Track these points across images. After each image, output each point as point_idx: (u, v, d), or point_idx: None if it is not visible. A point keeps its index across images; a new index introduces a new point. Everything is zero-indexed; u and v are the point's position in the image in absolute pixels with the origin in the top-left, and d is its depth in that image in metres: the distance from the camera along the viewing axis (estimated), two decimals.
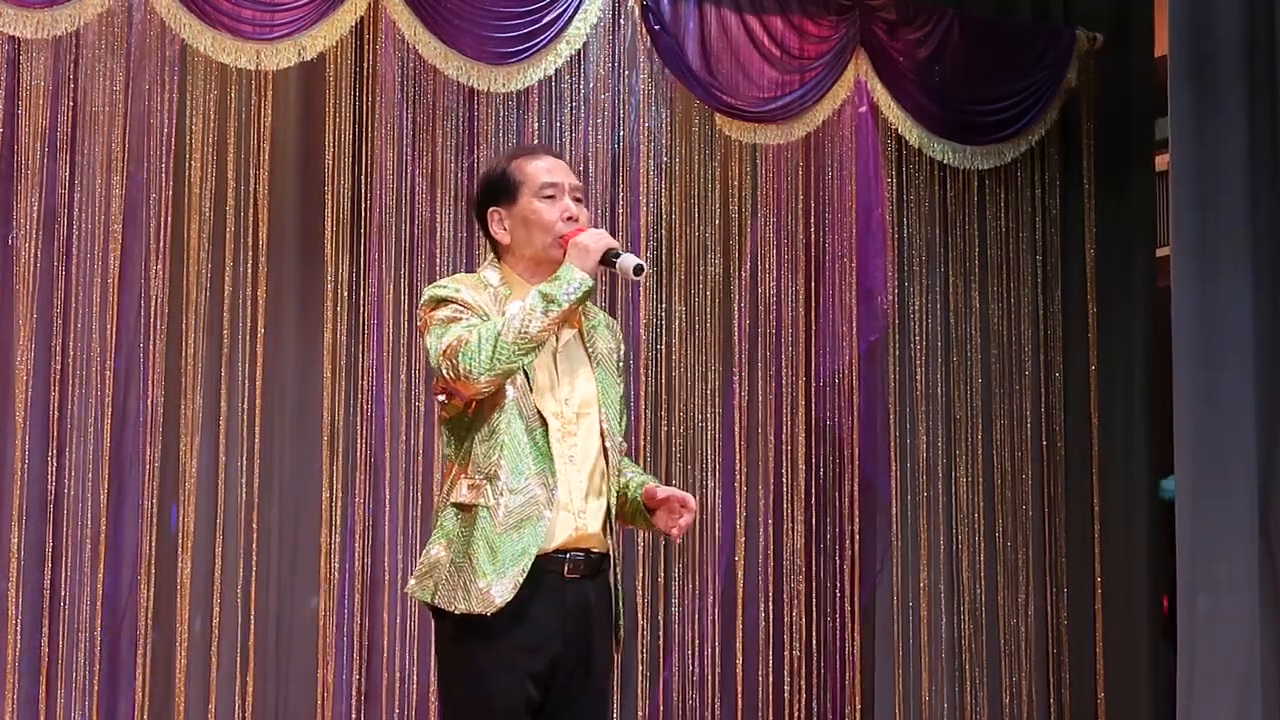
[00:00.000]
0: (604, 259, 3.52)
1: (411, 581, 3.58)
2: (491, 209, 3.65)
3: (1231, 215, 5.63)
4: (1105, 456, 6.78)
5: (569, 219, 3.59)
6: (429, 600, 3.52)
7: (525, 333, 3.41)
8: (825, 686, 6.29)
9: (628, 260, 3.51)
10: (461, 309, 3.52)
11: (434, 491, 5.65)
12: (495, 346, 3.40)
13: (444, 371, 3.45)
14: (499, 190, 3.65)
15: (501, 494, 3.48)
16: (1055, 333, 6.82)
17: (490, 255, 3.72)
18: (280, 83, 5.64)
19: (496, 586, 3.44)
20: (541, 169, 3.63)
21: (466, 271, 5.64)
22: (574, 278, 3.46)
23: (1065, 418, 6.81)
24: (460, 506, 3.52)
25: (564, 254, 3.55)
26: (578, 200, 3.64)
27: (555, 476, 3.51)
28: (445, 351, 3.44)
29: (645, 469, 5.89)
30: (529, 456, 3.50)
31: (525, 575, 3.45)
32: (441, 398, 3.58)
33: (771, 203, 6.33)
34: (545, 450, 3.51)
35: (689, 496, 3.64)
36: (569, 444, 3.56)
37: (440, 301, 3.55)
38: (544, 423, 3.52)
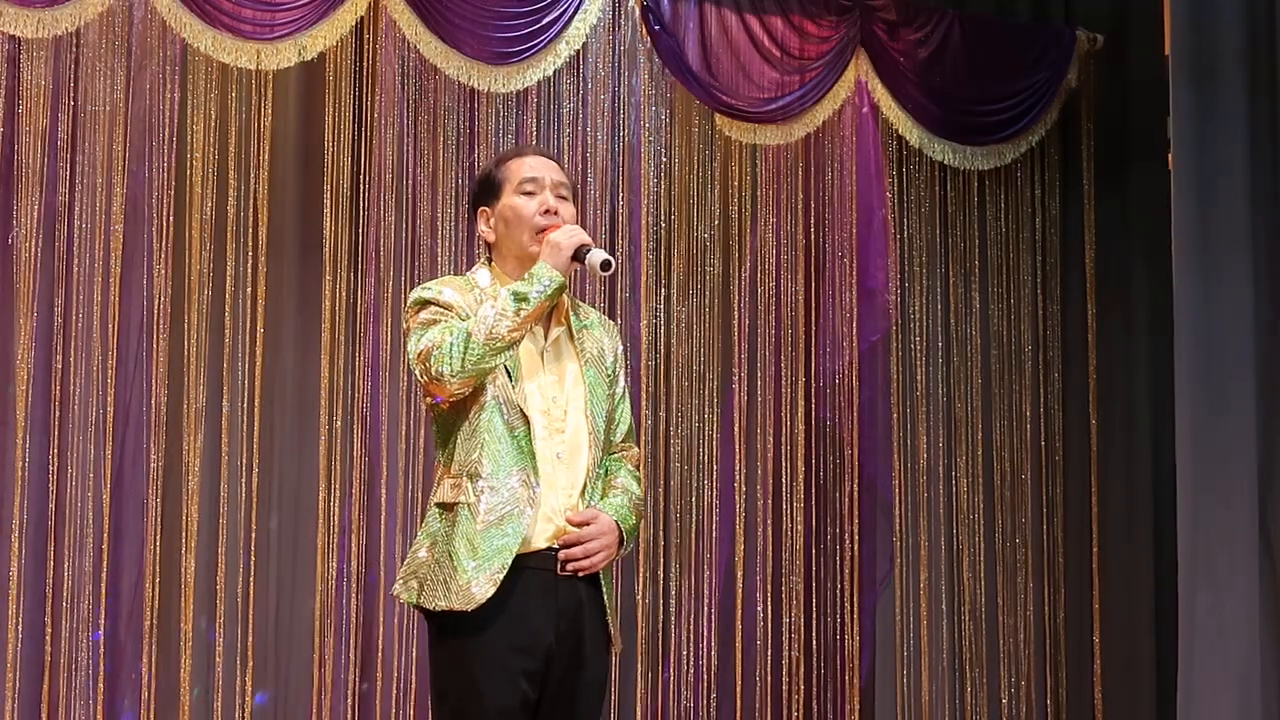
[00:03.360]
0: (576, 255, 3.53)
1: (397, 583, 3.58)
2: (480, 209, 3.69)
3: (1232, 215, 5.64)
4: (1105, 457, 6.78)
5: (547, 213, 3.60)
6: (414, 601, 3.52)
7: (495, 333, 3.42)
8: (824, 687, 6.29)
9: (595, 255, 3.52)
10: (442, 311, 3.54)
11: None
12: (466, 347, 3.41)
13: (418, 374, 3.47)
14: (485, 190, 3.69)
15: (482, 491, 3.48)
16: (1055, 333, 6.82)
17: (483, 257, 3.74)
18: (280, 82, 5.65)
19: (476, 582, 3.43)
20: (524, 165, 3.66)
21: (467, 271, 5.69)
22: (545, 275, 3.47)
23: (1065, 418, 6.81)
24: (443, 506, 3.53)
25: (536, 247, 3.58)
26: (561, 197, 3.64)
27: (537, 474, 3.51)
28: (420, 354, 3.46)
29: (645, 470, 5.92)
30: (509, 454, 3.50)
31: (505, 572, 3.44)
32: (429, 400, 3.59)
33: (772, 203, 6.33)
34: (527, 448, 3.51)
35: (586, 541, 3.52)
36: (557, 441, 3.56)
37: (423, 304, 3.57)
38: (526, 420, 3.52)
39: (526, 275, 3.49)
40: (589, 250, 3.54)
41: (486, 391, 3.51)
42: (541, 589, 3.50)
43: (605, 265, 3.51)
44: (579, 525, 3.55)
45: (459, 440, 3.53)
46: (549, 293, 3.47)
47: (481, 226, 3.69)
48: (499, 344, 3.44)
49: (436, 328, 3.50)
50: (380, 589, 5.62)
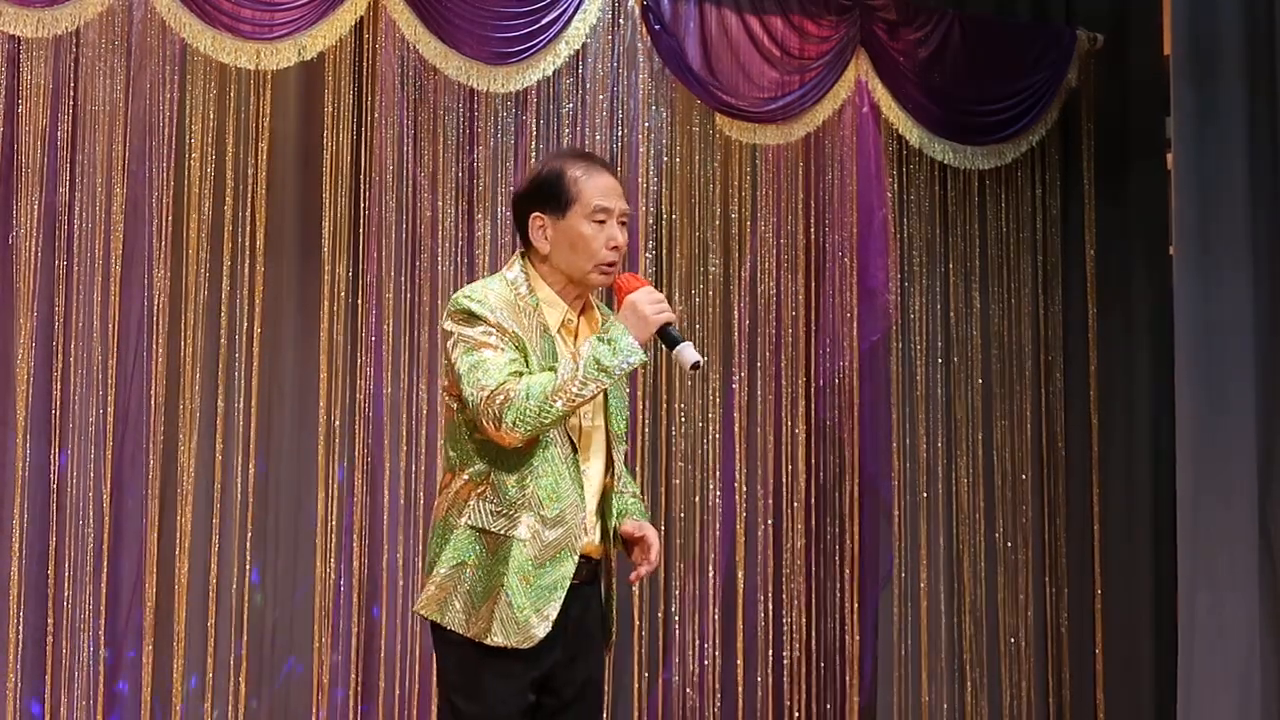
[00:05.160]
0: (661, 331, 3.44)
1: (423, 603, 3.50)
2: (536, 213, 3.55)
3: (1232, 215, 5.64)
4: (1105, 456, 6.78)
5: (613, 248, 3.51)
6: (443, 622, 3.45)
7: (576, 399, 3.36)
8: (825, 687, 6.29)
9: (687, 354, 3.42)
10: (495, 333, 3.43)
11: (434, 493, 5.64)
12: (542, 409, 3.34)
13: (484, 419, 3.37)
14: (549, 196, 3.54)
15: (538, 526, 3.43)
16: (1055, 333, 6.83)
17: (517, 253, 3.63)
18: (280, 82, 5.64)
19: (536, 620, 3.42)
20: (598, 190, 3.53)
21: (464, 273, 5.68)
22: (630, 351, 3.39)
23: (1065, 418, 6.81)
24: (483, 532, 3.45)
25: (597, 276, 3.51)
26: (623, 224, 3.56)
27: (585, 503, 3.49)
28: (489, 398, 3.36)
29: (645, 470, 5.93)
30: (565, 484, 3.46)
31: (560, 605, 3.43)
32: (455, 403, 3.50)
33: (771, 203, 6.33)
34: (577, 476, 3.48)
35: (655, 546, 3.58)
36: (581, 458, 3.53)
37: (472, 317, 3.45)
38: (574, 447, 3.49)
39: (609, 339, 3.39)
40: (676, 336, 3.45)
41: None
42: None
43: (695, 366, 3.42)
44: (635, 538, 3.57)
45: (502, 468, 3.45)
46: (631, 368, 3.41)
47: (535, 235, 3.54)
48: (577, 407, 3.39)
49: (498, 359, 3.40)
50: (381, 590, 5.62)
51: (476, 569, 3.45)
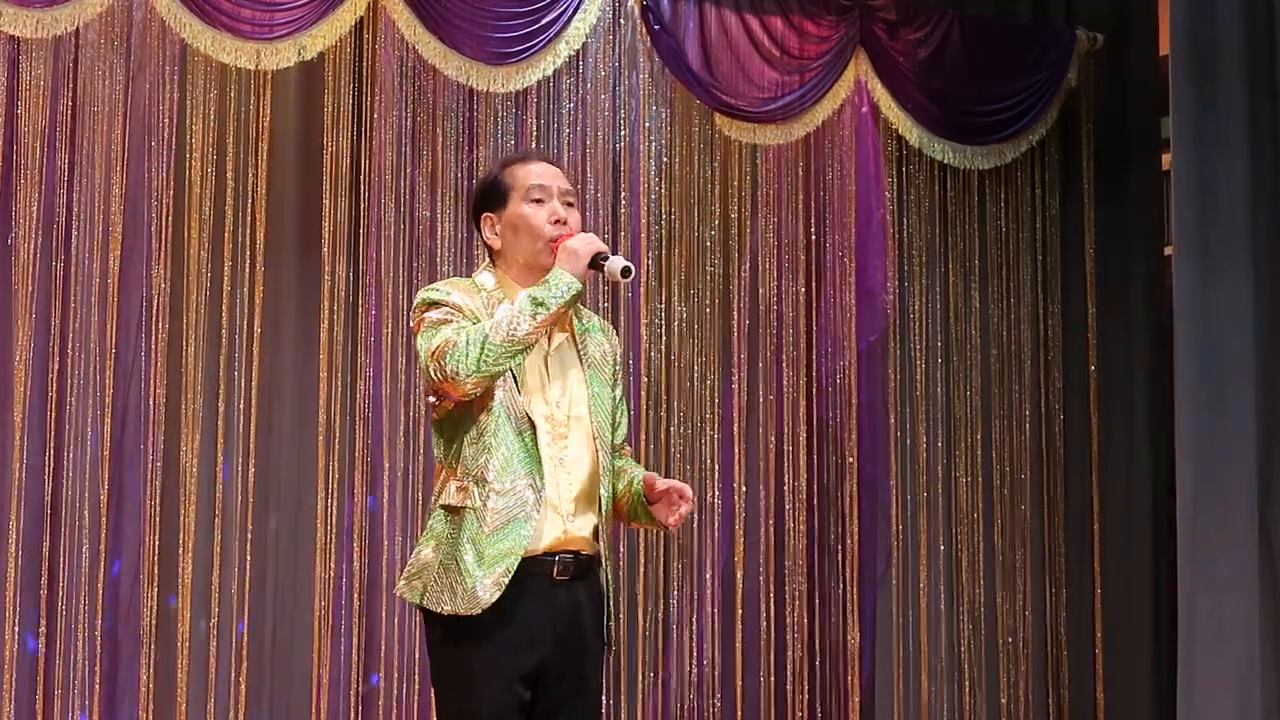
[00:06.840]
0: (592, 262, 3.52)
1: (401, 583, 3.59)
2: (484, 214, 3.67)
3: (1232, 215, 5.63)
4: (1105, 456, 6.78)
5: (557, 222, 3.60)
6: (418, 601, 3.53)
7: (513, 335, 3.42)
8: (826, 687, 6.29)
9: (615, 262, 3.51)
10: (453, 312, 3.53)
11: (433, 493, 5.65)
12: (482, 348, 3.41)
13: (432, 373, 3.47)
14: (490, 196, 3.67)
15: (489, 496, 3.49)
16: (1055, 333, 6.83)
17: (486, 260, 3.73)
18: (280, 82, 5.64)
19: (481, 586, 3.45)
20: (531, 173, 3.64)
21: (464, 273, 5.69)
22: (562, 281, 3.46)
23: (1065, 418, 6.81)
24: (449, 509, 3.53)
25: (554, 258, 3.55)
26: (569, 204, 3.64)
27: (544, 479, 3.52)
28: (433, 353, 3.46)
29: (646, 468, 5.91)
30: (517, 458, 3.51)
31: (510, 575, 3.45)
32: (433, 399, 3.58)
33: (771, 203, 6.33)
34: (534, 453, 3.52)
35: (686, 487, 3.62)
36: (559, 446, 3.56)
37: (432, 304, 3.56)
38: (532, 425, 3.53)
39: (543, 281, 3.48)
40: (606, 257, 3.53)
41: (494, 397, 3.52)
42: (539, 593, 3.50)
43: (626, 272, 3.50)
44: (660, 490, 3.58)
45: (465, 444, 3.53)
46: (566, 299, 3.46)
47: (488, 234, 3.67)
48: (516, 345, 3.44)
49: (449, 327, 3.50)
50: (382, 589, 5.62)
51: (443, 544, 3.52)
